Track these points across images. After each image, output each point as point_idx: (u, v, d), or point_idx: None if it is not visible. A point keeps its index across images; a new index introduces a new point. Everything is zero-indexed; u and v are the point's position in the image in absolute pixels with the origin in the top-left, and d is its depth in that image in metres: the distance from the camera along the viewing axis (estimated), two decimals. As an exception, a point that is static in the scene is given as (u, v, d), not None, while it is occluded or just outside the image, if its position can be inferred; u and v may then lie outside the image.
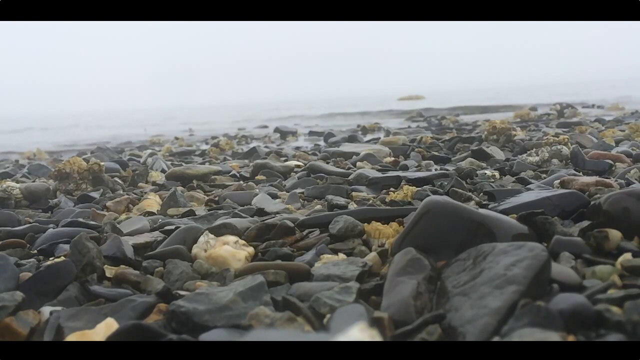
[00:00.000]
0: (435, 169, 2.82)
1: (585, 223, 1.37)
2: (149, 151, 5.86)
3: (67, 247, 1.57)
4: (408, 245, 1.23)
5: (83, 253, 1.35)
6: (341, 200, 1.99)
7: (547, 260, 1.02)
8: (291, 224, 1.59)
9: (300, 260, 1.38)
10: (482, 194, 2.00)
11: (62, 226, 1.86)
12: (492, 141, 3.86)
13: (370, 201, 2.05)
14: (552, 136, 3.28)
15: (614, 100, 11.68)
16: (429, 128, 7.03)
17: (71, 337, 0.99)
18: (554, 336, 0.81)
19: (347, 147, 4.08)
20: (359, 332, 0.73)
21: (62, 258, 1.41)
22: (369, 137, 6.13)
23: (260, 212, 1.97)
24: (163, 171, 3.47)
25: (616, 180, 1.98)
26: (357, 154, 3.61)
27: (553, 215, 1.45)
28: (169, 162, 4.06)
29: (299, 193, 2.33)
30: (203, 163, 4.06)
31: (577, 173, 2.28)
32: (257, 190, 2.55)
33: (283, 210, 2.02)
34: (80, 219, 1.97)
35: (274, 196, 2.35)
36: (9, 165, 5.26)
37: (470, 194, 1.95)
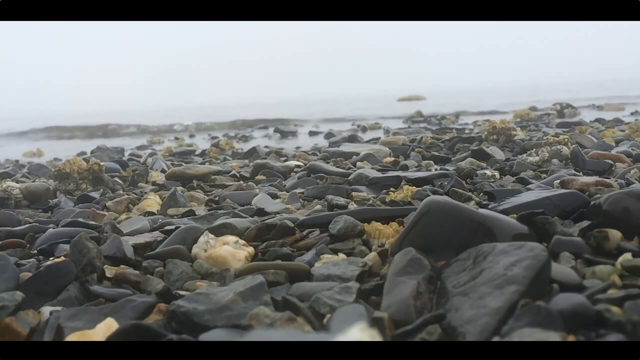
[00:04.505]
0: (435, 169, 2.82)
1: (585, 223, 1.37)
2: (149, 151, 5.86)
3: (67, 247, 1.57)
4: (408, 245, 1.23)
5: (83, 253, 1.35)
6: (341, 200, 1.99)
7: (547, 260, 1.03)
8: (291, 224, 1.59)
9: (300, 260, 1.38)
10: (482, 194, 1.99)
11: (62, 226, 1.86)
12: (492, 141, 3.86)
13: (370, 201, 2.05)
14: (552, 136, 3.28)
15: (614, 101, 11.70)
16: (429, 128, 7.04)
17: (71, 337, 0.99)
18: (554, 336, 0.81)
19: (347, 147, 4.08)
20: (359, 332, 0.73)
21: (62, 258, 1.41)
22: (369, 137, 6.13)
23: (260, 212, 1.97)
24: (163, 171, 3.47)
25: (616, 180, 1.98)
26: (357, 154, 3.60)
27: (553, 215, 1.45)
28: (169, 162, 4.06)
29: (299, 193, 2.33)
30: (203, 163, 4.06)
31: (577, 173, 2.28)
32: (257, 190, 2.55)
33: (283, 210, 2.02)
34: (80, 219, 1.97)
35: (274, 196, 2.35)
36: (9, 165, 5.26)
37: (470, 194, 1.95)
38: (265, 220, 1.69)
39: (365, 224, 1.52)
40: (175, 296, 1.18)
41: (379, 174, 2.50)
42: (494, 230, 1.23)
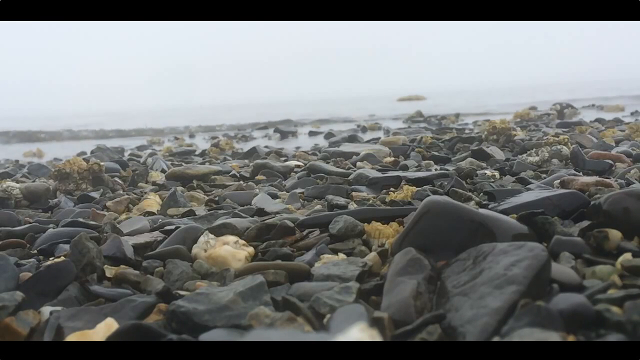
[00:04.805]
0: (435, 169, 2.82)
1: (585, 223, 1.37)
2: (149, 151, 5.87)
3: (67, 247, 1.57)
4: (408, 245, 1.23)
5: (83, 253, 1.35)
6: (341, 200, 1.99)
7: (547, 260, 1.02)
8: (291, 224, 1.59)
9: (300, 260, 1.38)
10: (482, 194, 2.00)
11: (62, 226, 1.86)
12: (492, 141, 3.86)
13: (370, 201, 2.05)
14: (552, 136, 3.28)
15: (614, 101, 11.70)
16: (429, 128, 7.03)
17: (71, 337, 0.99)
18: (554, 336, 0.81)
19: (347, 147, 4.08)
20: (359, 332, 0.73)
21: (62, 258, 1.41)
22: (369, 137, 6.13)
23: (260, 212, 1.97)
24: (163, 171, 3.47)
25: (616, 180, 1.98)
26: (357, 154, 3.61)
27: (553, 215, 1.45)
28: (169, 162, 4.06)
29: (299, 193, 2.33)
30: (203, 163, 4.06)
31: (577, 173, 2.28)
32: (257, 190, 2.55)
33: (283, 210, 2.02)
34: (80, 219, 1.97)
35: (274, 196, 2.35)
36: (9, 165, 5.26)
37: (470, 194, 1.95)
38: (265, 220, 1.69)
39: (365, 224, 1.52)
40: (175, 296, 1.18)
41: (379, 174, 2.50)
42: (494, 230, 1.23)
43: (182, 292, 1.20)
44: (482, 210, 1.32)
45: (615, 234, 1.20)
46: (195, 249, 1.45)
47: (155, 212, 2.19)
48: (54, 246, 1.63)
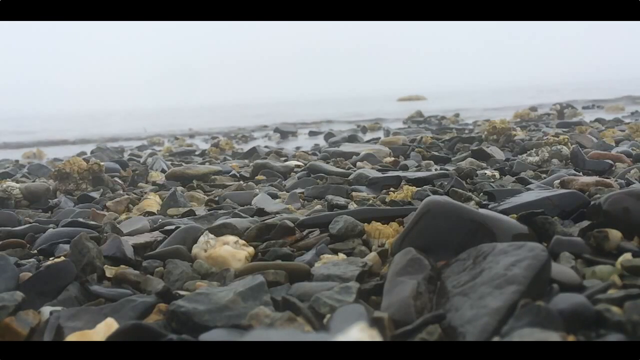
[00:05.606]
0: (435, 169, 2.82)
1: (585, 223, 1.37)
2: (149, 151, 5.86)
3: (67, 247, 1.57)
4: (408, 245, 1.23)
5: (83, 253, 1.35)
6: (341, 200, 1.99)
7: (547, 260, 1.02)
8: (291, 224, 1.59)
9: (300, 260, 1.38)
10: (482, 194, 1.99)
11: (62, 226, 1.86)
12: (492, 141, 3.86)
13: (370, 201, 2.05)
14: (552, 136, 3.28)
15: (614, 101, 11.70)
16: (429, 128, 7.03)
17: (71, 337, 0.99)
18: (554, 336, 0.81)
19: (347, 147, 4.08)
20: (359, 332, 0.73)
21: (62, 258, 1.41)
22: (369, 137, 6.13)
23: (260, 212, 1.97)
24: (163, 171, 3.47)
25: (616, 180, 1.98)
26: (357, 154, 3.60)
27: (553, 215, 1.45)
28: (169, 162, 4.06)
29: (299, 193, 2.32)
30: (203, 163, 4.06)
31: (577, 173, 2.28)
32: (257, 190, 2.55)
33: (283, 210, 2.02)
34: (80, 219, 1.97)
35: (274, 196, 2.35)
36: (9, 165, 5.26)
37: (470, 194, 1.95)
38: (265, 220, 1.69)
39: (365, 224, 1.52)
40: (175, 296, 1.18)
41: (379, 174, 2.50)
42: (494, 230, 1.23)
43: (182, 292, 1.20)
44: (482, 210, 1.32)
45: (615, 234, 1.20)
46: (195, 249, 1.45)
47: (155, 212, 2.19)
48: (54, 246, 1.63)
